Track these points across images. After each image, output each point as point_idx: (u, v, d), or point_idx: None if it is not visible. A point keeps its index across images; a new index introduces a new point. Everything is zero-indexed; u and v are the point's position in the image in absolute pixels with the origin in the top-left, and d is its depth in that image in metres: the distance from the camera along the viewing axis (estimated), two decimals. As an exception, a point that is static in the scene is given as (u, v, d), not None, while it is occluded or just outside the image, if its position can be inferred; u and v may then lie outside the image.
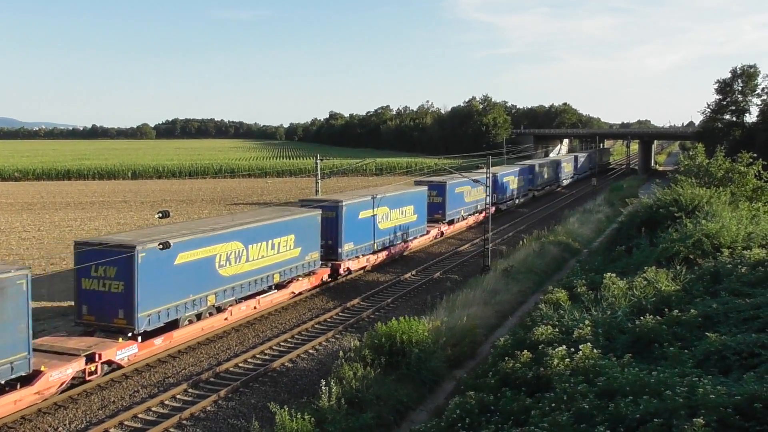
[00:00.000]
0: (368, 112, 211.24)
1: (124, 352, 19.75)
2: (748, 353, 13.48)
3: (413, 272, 34.80)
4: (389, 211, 35.90)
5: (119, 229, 47.36)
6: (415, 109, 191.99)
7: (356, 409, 16.80)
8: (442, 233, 45.24)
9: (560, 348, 15.39)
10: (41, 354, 18.15)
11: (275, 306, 27.52)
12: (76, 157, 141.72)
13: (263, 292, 26.34)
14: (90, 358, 18.71)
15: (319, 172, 38.03)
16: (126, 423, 17.11)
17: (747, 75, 74.35)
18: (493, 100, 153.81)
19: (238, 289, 24.64)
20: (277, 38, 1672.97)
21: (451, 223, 46.70)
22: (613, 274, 23.38)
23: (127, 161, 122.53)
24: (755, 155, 39.54)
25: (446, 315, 23.90)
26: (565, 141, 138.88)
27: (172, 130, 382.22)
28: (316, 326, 25.54)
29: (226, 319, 24.20)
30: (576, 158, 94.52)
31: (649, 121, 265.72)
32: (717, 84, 76.78)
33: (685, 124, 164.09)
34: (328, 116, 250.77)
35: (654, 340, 15.93)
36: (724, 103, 76.68)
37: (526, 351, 16.59)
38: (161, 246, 19.90)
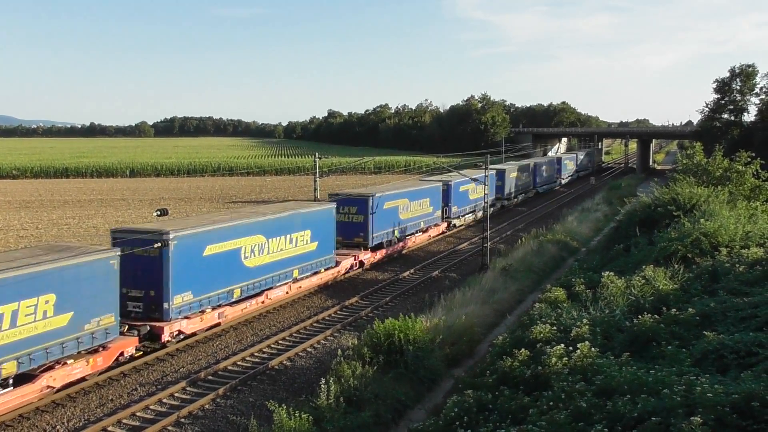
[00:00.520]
0: (367, 110, 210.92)
1: None
2: (746, 352, 13.51)
3: (411, 271, 34.84)
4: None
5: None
6: (413, 108, 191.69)
7: (354, 407, 16.82)
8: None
9: (558, 347, 15.41)
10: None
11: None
12: (74, 155, 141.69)
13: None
14: None
15: (317, 170, 38.10)
16: (124, 421, 17.10)
17: (745, 74, 74.48)
18: (491, 98, 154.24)
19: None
20: (276, 36, 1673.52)
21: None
22: (612, 273, 23.40)
23: (126, 159, 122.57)
24: (753, 154, 39.67)
25: (445, 313, 23.92)
26: (564, 140, 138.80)
27: (170, 128, 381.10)
28: (315, 324, 25.56)
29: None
30: (560, 160, 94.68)
31: (648, 120, 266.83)
32: (715, 83, 77.07)
33: (683, 123, 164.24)
34: (326, 114, 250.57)
35: (652, 339, 15.96)
36: (723, 102, 76.79)
37: (524, 349, 16.59)
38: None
